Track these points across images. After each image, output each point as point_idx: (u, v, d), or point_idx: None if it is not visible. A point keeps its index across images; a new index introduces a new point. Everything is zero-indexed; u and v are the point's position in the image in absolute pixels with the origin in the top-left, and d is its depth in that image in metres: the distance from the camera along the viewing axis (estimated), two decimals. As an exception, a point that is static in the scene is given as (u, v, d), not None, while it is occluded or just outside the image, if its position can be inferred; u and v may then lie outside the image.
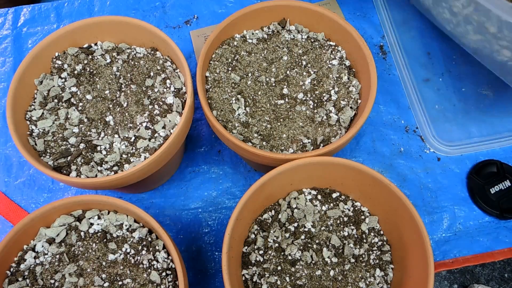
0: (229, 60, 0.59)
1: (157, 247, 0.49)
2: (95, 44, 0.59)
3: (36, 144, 0.53)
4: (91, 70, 0.57)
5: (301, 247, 0.52)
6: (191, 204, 0.64)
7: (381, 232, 0.54)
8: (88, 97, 0.56)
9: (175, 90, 0.56)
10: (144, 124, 0.54)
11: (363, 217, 0.54)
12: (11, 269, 0.48)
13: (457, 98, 0.68)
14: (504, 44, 0.48)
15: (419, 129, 0.68)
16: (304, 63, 0.59)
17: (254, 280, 0.50)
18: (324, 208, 0.54)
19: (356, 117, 0.56)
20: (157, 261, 0.48)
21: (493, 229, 0.62)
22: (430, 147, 0.66)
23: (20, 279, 0.47)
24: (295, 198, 0.55)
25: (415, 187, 0.64)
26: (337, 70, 0.58)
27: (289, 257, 0.51)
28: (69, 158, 0.53)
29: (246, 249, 0.52)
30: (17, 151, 0.66)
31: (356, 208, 0.55)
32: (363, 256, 0.52)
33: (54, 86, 0.56)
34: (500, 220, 0.62)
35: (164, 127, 0.54)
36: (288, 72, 0.58)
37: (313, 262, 0.51)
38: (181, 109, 0.55)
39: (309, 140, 0.54)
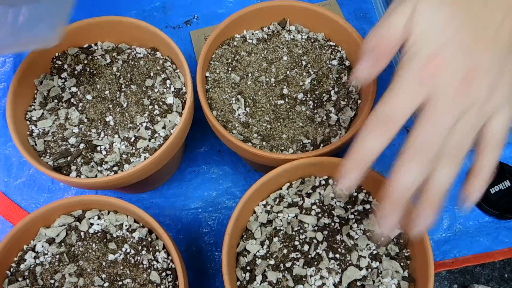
0: (229, 60, 0.59)
1: (157, 247, 0.49)
2: (95, 44, 0.59)
3: (36, 144, 0.53)
4: (91, 70, 0.57)
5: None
6: (191, 204, 0.64)
7: (381, 232, 0.54)
8: (88, 97, 0.56)
9: (175, 90, 0.56)
10: (144, 124, 0.54)
11: (363, 217, 0.54)
12: (11, 269, 0.48)
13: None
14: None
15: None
16: (304, 63, 0.59)
17: (254, 280, 0.50)
18: (324, 208, 0.54)
19: (356, 117, 0.56)
20: (157, 261, 0.48)
21: (493, 229, 0.62)
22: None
23: (20, 279, 0.47)
24: (295, 198, 0.54)
25: (415, 187, 0.64)
26: (337, 70, 0.58)
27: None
28: (69, 158, 0.53)
29: (246, 249, 0.52)
30: (17, 151, 0.66)
31: (356, 208, 0.55)
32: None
33: (54, 86, 0.56)
34: (500, 220, 0.62)
35: (164, 127, 0.54)
36: (288, 72, 0.58)
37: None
38: (181, 109, 0.55)
39: (309, 140, 0.54)
